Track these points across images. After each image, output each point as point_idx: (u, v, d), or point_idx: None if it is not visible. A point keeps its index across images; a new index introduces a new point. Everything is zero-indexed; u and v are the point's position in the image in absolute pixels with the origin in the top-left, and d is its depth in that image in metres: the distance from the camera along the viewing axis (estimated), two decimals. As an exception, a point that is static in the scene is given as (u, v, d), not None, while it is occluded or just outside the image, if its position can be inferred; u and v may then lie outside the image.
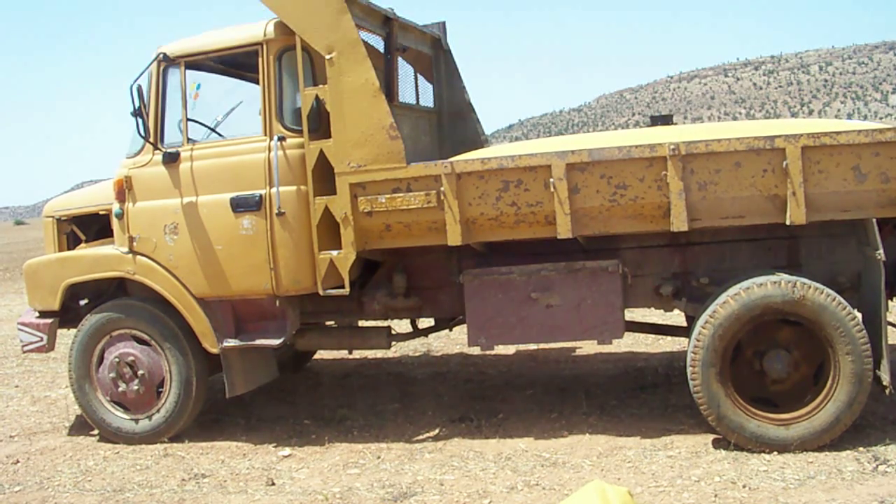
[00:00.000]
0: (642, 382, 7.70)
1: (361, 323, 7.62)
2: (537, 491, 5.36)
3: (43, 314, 7.29)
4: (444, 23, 8.20)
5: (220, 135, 6.90)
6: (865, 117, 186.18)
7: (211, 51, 6.67)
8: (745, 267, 6.15)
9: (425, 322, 7.56)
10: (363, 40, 6.29)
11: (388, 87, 7.13)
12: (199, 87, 6.83)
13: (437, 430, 6.78)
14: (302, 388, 8.49)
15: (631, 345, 9.20)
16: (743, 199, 5.68)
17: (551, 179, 5.81)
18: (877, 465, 5.32)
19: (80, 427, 7.50)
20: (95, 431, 7.26)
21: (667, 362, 8.40)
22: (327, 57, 6.14)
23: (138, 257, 6.76)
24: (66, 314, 7.30)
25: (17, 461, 6.77)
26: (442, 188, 5.98)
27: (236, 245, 6.47)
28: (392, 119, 6.10)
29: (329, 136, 6.21)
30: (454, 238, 6.05)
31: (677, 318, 7.62)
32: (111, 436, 7.04)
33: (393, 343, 7.28)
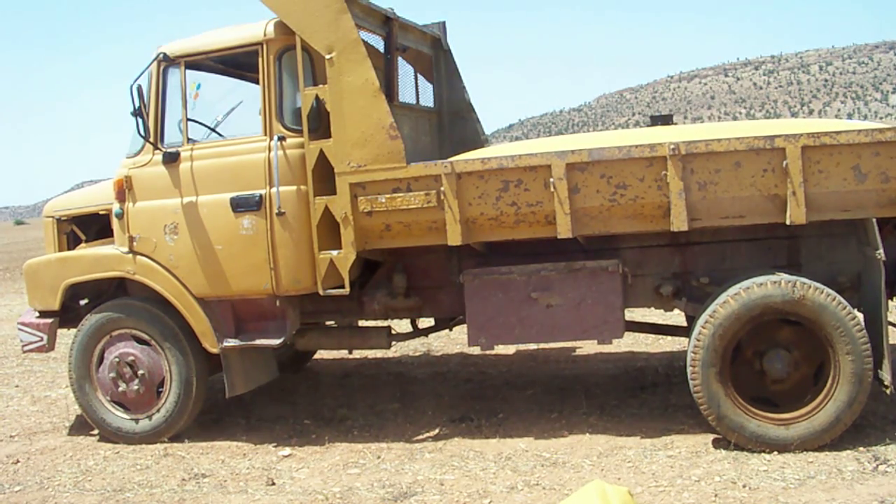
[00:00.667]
0: (642, 382, 7.70)
1: (361, 323, 7.62)
2: (537, 491, 5.36)
3: (43, 314, 7.30)
4: (444, 23, 8.21)
5: (220, 135, 6.90)
6: (865, 117, 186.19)
7: (211, 51, 6.67)
8: (745, 267, 6.14)
9: (425, 322, 7.56)
10: (363, 40, 6.29)
11: (388, 87, 7.13)
12: (199, 86, 6.84)
13: (437, 430, 6.78)
14: (302, 387, 8.49)
15: (631, 345, 9.20)
16: (743, 198, 5.68)
17: (551, 179, 5.81)
18: (877, 465, 5.32)
19: (81, 427, 7.50)
20: (95, 431, 7.26)
21: (667, 362, 8.40)
22: (327, 57, 6.14)
23: (138, 257, 6.77)
24: (67, 314, 7.30)
25: (18, 461, 6.77)
26: (442, 188, 5.98)
27: (236, 245, 6.47)
28: (392, 119, 6.10)
29: (329, 136, 6.21)
30: (454, 238, 6.05)
31: (677, 317, 7.63)
32: (111, 436, 7.04)
33: (393, 343, 7.28)
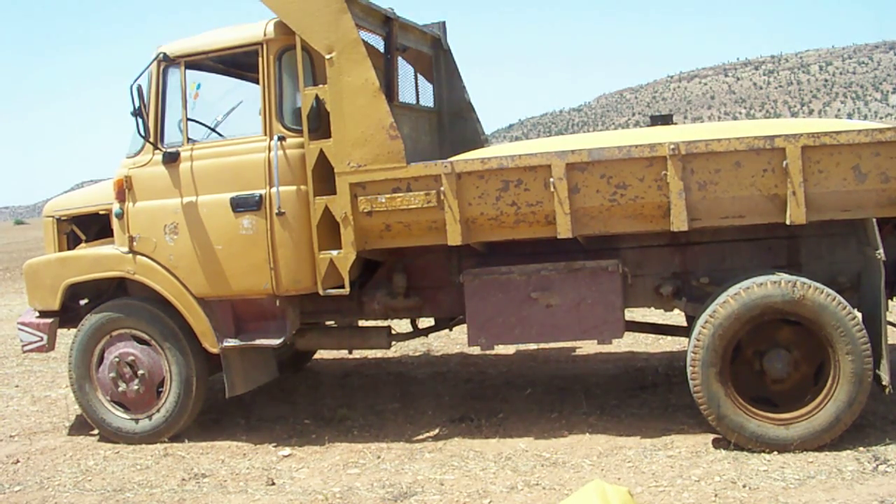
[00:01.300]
0: (642, 382, 7.70)
1: (361, 323, 7.62)
2: (537, 491, 5.36)
3: (43, 314, 7.30)
4: (444, 23, 8.21)
5: (220, 135, 6.90)
6: (865, 117, 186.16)
7: (211, 50, 6.67)
8: (745, 267, 6.15)
9: (425, 322, 7.56)
10: (363, 40, 6.29)
11: (388, 86, 7.13)
12: (199, 86, 6.84)
13: (437, 430, 6.78)
14: (302, 387, 8.49)
15: (631, 344, 9.20)
16: (743, 198, 5.68)
17: (551, 179, 5.81)
18: (877, 465, 5.32)
19: (81, 427, 7.50)
20: (95, 431, 7.26)
21: (667, 362, 8.40)
22: (327, 57, 6.14)
23: (138, 257, 6.77)
24: (66, 314, 7.30)
25: (18, 461, 6.77)
26: (442, 188, 5.98)
27: (236, 245, 6.47)
28: (392, 119, 6.10)
29: (329, 136, 6.21)
30: (454, 238, 6.05)
31: (677, 317, 7.62)
32: (111, 435, 7.04)
33: (393, 343, 7.28)
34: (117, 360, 6.93)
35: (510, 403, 7.33)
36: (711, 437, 5.97)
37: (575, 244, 6.20)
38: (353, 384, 8.55)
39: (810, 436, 5.61)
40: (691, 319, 6.33)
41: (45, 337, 7.22)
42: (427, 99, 8.03)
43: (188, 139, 6.67)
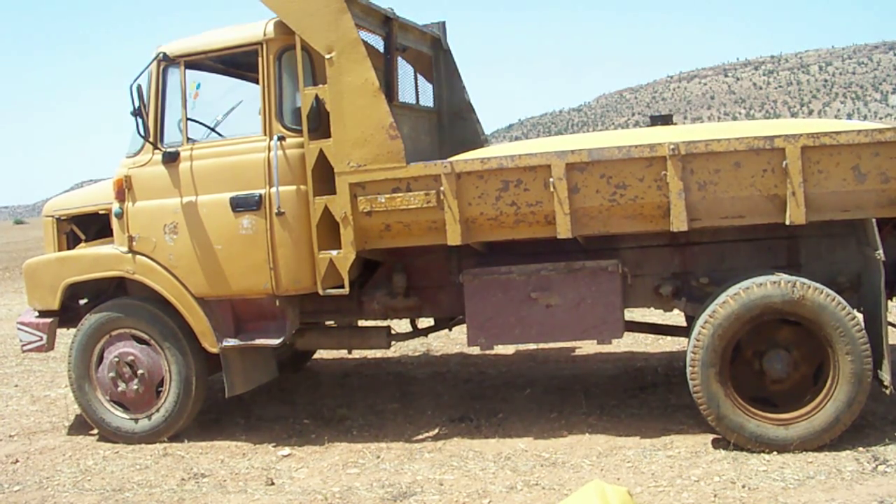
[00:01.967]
0: (642, 382, 7.70)
1: (361, 323, 7.62)
2: (537, 491, 5.36)
3: (42, 313, 7.30)
4: (443, 23, 8.21)
5: (219, 134, 6.90)
6: (865, 117, 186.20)
7: (211, 50, 6.67)
8: (744, 267, 6.15)
9: (425, 322, 7.56)
10: (363, 40, 6.29)
11: (388, 86, 7.13)
12: (198, 86, 6.83)
13: (436, 430, 6.78)
14: (301, 387, 8.49)
15: (630, 345, 9.21)
16: (742, 199, 5.68)
17: (551, 179, 5.81)
18: (876, 465, 5.32)
19: (80, 426, 7.50)
20: (95, 431, 7.26)
21: (666, 362, 8.40)
22: (327, 56, 6.14)
23: (138, 257, 6.76)
24: (66, 313, 7.30)
25: (17, 460, 6.77)
26: (442, 188, 5.98)
27: (236, 245, 6.47)
28: (392, 119, 6.10)
29: (329, 136, 6.21)
30: (454, 238, 6.05)
31: (677, 318, 7.62)
32: (111, 435, 7.04)
33: (392, 343, 7.28)
34: (117, 359, 6.92)
35: (510, 403, 7.33)
36: (711, 437, 5.97)
37: (575, 244, 6.20)
38: (353, 384, 8.55)
39: (810, 436, 5.61)
40: (691, 320, 6.33)
41: (45, 336, 7.22)
42: (427, 99, 8.03)
43: (188, 139, 6.67)
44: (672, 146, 5.63)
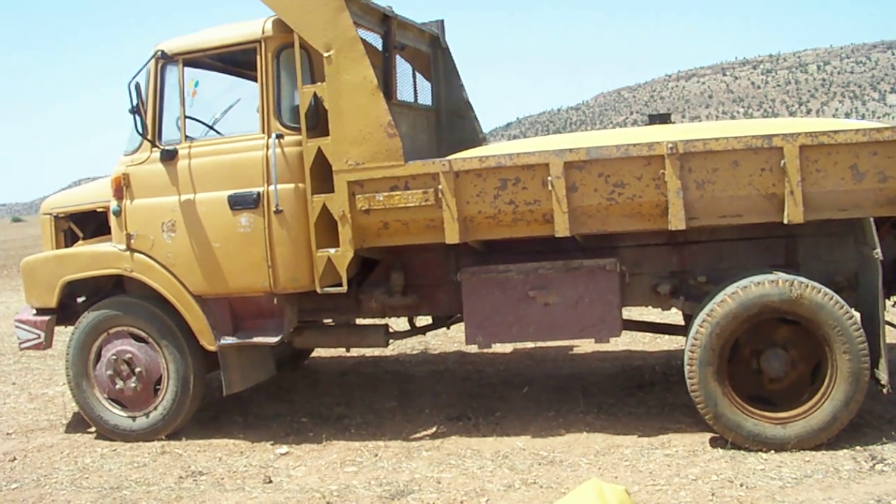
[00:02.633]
0: (640, 381, 7.70)
1: (359, 321, 7.62)
2: (534, 489, 5.37)
3: (40, 311, 7.30)
4: (442, 21, 8.21)
5: (218, 132, 6.90)
6: (863, 116, 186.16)
7: (209, 48, 6.66)
8: (742, 266, 6.15)
9: (423, 320, 7.56)
10: (361, 38, 6.29)
11: (387, 85, 7.13)
12: (197, 84, 6.83)
13: (434, 428, 6.78)
14: (299, 385, 8.49)
15: (628, 343, 9.21)
16: (741, 197, 5.68)
17: (549, 178, 5.80)
18: (874, 464, 5.32)
19: (78, 424, 7.50)
20: (93, 429, 7.25)
21: (664, 361, 8.40)
22: (325, 55, 6.14)
23: (136, 255, 6.76)
24: (64, 311, 7.30)
25: (15, 458, 6.77)
26: (440, 186, 5.98)
27: (234, 243, 6.46)
28: (390, 117, 6.10)
29: (327, 134, 6.20)
30: (452, 236, 6.05)
31: (675, 316, 7.63)
32: (108, 433, 7.04)
33: (390, 341, 7.28)
34: (115, 357, 6.92)
35: (507, 402, 7.33)
36: (709, 435, 5.97)
37: (573, 243, 6.20)
38: (351, 382, 8.55)
39: (807, 435, 5.61)
40: (689, 318, 6.33)
41: (43, 334, 7.22)
42: (425, 97, 8.03)
43: (186, 137, 6.67)
44: (670, 145, 5.63)
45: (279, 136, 6.34)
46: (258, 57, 6.41)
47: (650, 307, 6.76)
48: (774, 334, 5.80)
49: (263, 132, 6.42)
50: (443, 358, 9.45)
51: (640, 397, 7.16)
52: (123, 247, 6.80)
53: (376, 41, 7.13)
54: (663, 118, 6.77)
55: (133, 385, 6.90)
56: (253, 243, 6.40)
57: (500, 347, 9.10)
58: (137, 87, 6.51)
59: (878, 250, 5.49)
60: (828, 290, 5.58)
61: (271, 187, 6.30)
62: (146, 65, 6.67)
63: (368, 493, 5.50)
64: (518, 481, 5.50)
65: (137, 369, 6.88)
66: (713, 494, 5.04)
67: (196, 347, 6.80)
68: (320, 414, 7.37)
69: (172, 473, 6.17)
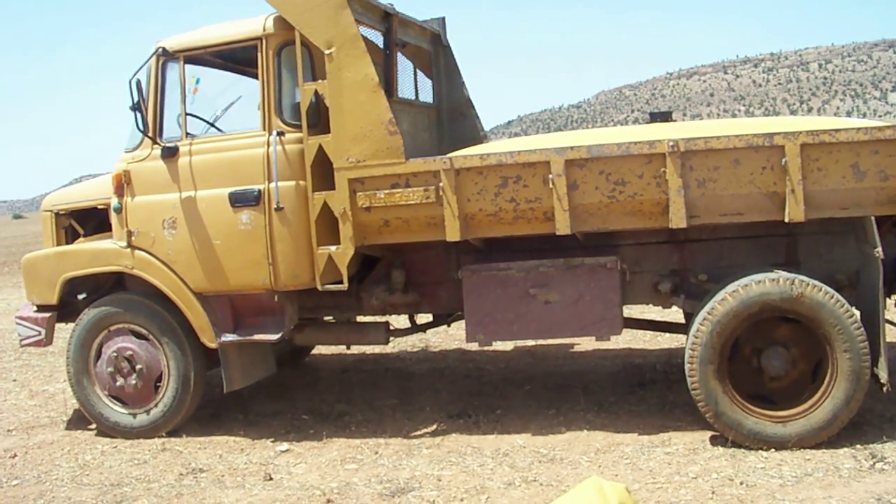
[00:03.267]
0: (640, 379, 7.70)
1: (360, 318, 7.62)
2: (535, 487, 5.37)
3: (41, 308, 7.29)
4: (443, 18, 8.20)
5: (219, 129, 6.90)
6: (864, 115, 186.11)
7: (210, 45, 6.66)
8: (743, 264, 6.15)
9: (423, 318, 7.56)
10: (362, 35, 6.28)
11: (388, 82, 7.13)
12: (198, 81, 6.83)
13: (434, 426, 6.78)
14: (300, 383, 8.50)
15: (629, 341, 9.21)
16: (742, 196, 5.68)
17: (550, 175, 5.80)
18: (874, 463, 5.32)
19: (78, 421, 7.50)
20: (93, 426, 7.26)
21: (665, 359, 8.40)
22: (327, 52, 6.13)
23: (137, 252, 6.76)
24: (65, 308, 7.30)
25: (15, 455, 6.77)
26: (441, 184, 5.98)
27: (235, 240, 6.46)
28: (391, 114, 6.09)
29: (328, 132, 6.20)
30: (453, 234, 6.05)
31: (676, 314, 7.63)
32: (109, 430, 7.04)
33: (391, 338, 7.28)
34: (115, 354, 6.93)
35: (508, 400, 7.34)
36: (709, 434, 5.97)
37: (573, 241, 6.20)
38: (351, 380, 8.56)
39: (808, 433, 5.61)
40: (689, 317, 6.33)
41: (43, 331, 7.21)
42: (426, 95, 8.03)
43: (187, 134, 6.66)
44: (671, 143, 5.63)
45: (280, 134, 6.34)
46: (259, 54, 6.41)
47: (651, 305, 6.77)
48: (775, 333, 5.80)
49: (264, 129, 6.42)
50: (443, 355, 9.45)
51: (641, 395, 7.17)
52: (124, 244, 6.80)
53: (377, 38, 7.13)
54: (664, 116, 6.77)
55: (134, 382, 6.90)
56: (254, 240, 6.40)
57: (500, 345, 9.10)
58: (139, 83, 6.51)
59: (879, 249, 5.49)
60: (828, 288, 5.58)
61: (272, 184, 6.30)
62: (147, 62, 6.66)
63: (369, 491, 5.50)
64: (518, 479, 5.50)
65: (138, 366, 6.88)
66: (713, 492, 5.05)
67: (197, 344, 6.80)
68: (321, 411, 7.37)
69: (173, 470, 6.17)
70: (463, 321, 6.60)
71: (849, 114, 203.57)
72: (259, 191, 6.37)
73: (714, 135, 5.66)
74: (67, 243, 7.50)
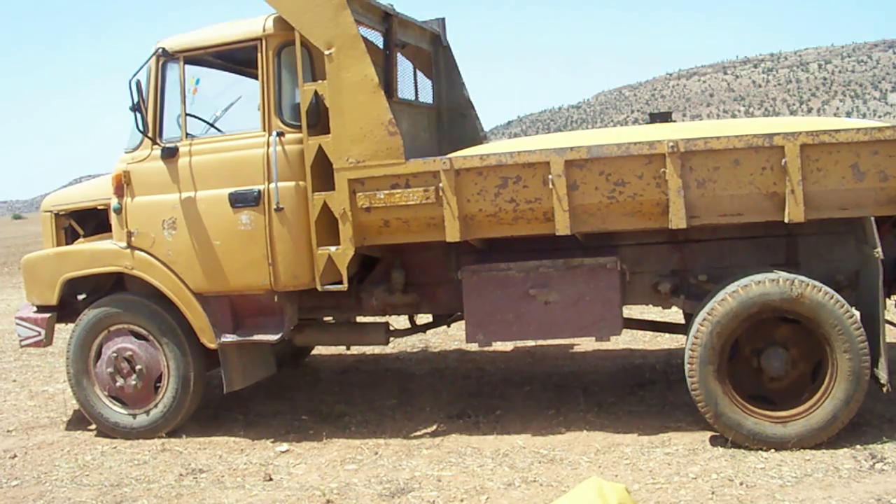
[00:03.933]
0: (640, 380, 7.70)
1: (359, 319, 7.62)
2: (535, 487, 5.37)
3: (41, 308, 7.29)
4: (443, 19, 8.20)
5: (218, 130, 6.89)
6: (864, 115, 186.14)
7: (210, 46, 6.65)
8: (743, 265, 6.15)
9: (423, 318, 7.56)
10: (362, 36, 6.28)
11: (387, 83, 7.13)
12: (198, 82, 6.83)
13: (434, 427, 6.78)
14: (300, 383, 8.49)
15: (629, 342, 9.21)
16: (741, 196, 5.68)
17: (550, 176, 5.80)
18: (874, 464, 5.32)
19: (78, 422, 7.50)
20: (93, 426, 7.25)
21: (665, 360, 8.40)
22: (326, 52, 6.13)
23: (136, 252, 6.76)
24: (64, 309, 7.30)
25: (15, 455, 6.77)
26: (440, 184, 5.98)
27: (235, 240, 6.46)
28: (391, 115, 6.09)
29: (328, 132, 6.20)
30: (452, 234, 6.05)
31: (675, 315, 7.62)
32: (109, 431, 7.04)
33: (391, 339, 7.27)
34: (115, 355, 6.92)
35: (508, 400, 7.34)
36: (709, 434, 5.97)
37: (573, 241, 6.20)
38: (351, 380, 8.55)
39: (807, 434, 5.61)
40: (689, 317, 6.32)
41: (43, 332, 7.21)
42: (426, 95, 8.03)
43: (187, 134, 6.66)
44: (671, 143, 5.63)
45: (280, 134, 6.34)
46: (259, 54, 6.41)
47: (651, 306, 6.76)
48: (775, 333, 5.80)
49: (264, 130, 6.42)
50: (443, 356, 9.45)
51: (641, 396, 7.17)
52: (124, 244, 6.80)
53: (377, 39, 7.13)
54: (664, 117, 6.77)
55: (133, 383, 6.90)
56: (254, 241, 6.40)
57: (500, 346, 9.10)
58: (138, 84, 6.51)
59: (879, 249, 5.49)
60: (828, 289, 5.58)
61: (272, 185, 6.30)
62: (147, 62, 6.66)
63: (368, 491, 5.50)
64: (518, 479, 5.50)
65: (138, 367, 6.88)
66: (713, 493, 5.05)
67: (196, 345, 6.80)
68: (320, 412, 7.37)
69: (173, 471, 6.17)
70: (463, 322, 6.60)
71: (848, 114, 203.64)
72: (259, 191, 6.37)
73: (714, 135, 5.66)
74: (67, 244, 7.50)
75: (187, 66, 6.68)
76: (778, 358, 5.75)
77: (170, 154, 6.63)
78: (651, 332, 8.40)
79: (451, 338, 10.03)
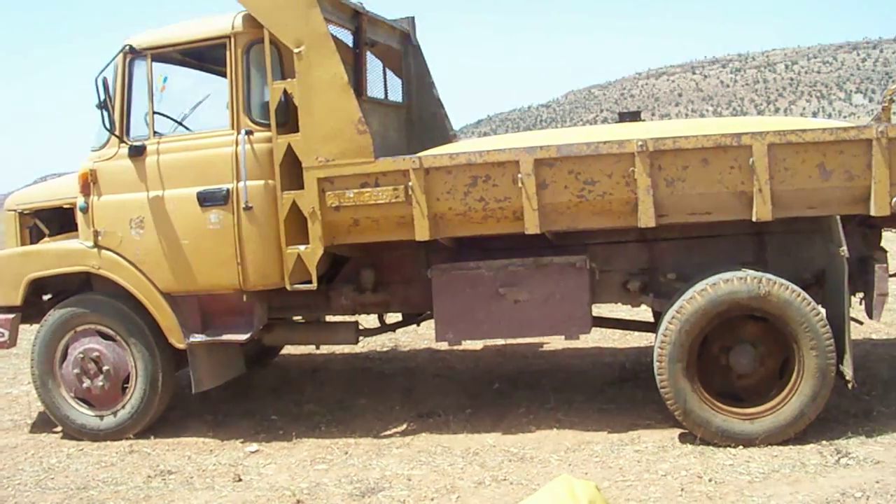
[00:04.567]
0: (610, 378, 7.73)
1: (329, 318, 7.59)
2: (505, 486, 5.37)
3: (4, 309, 7.18)
4: (413, 18, 8.19)
5: (187, 128, 6.85)
6: (830, 116, 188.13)
7: (178, 43, 6.60)
8: (712, 263, 6.18)
9: (393, 317, 7.55)
10: (332, 34, 6.26)
11: (357, 81, 7.11)
12: (165, 79, 6.76)
13: (405, 426, 6.77)
14: (269, 383, 8.45)
15: (598, 340, 9.24)
16: (710, 195, 5.72)
17: (519, 175, 5.81)
18: (839, 458, 5.38)
19: (43, 424, 7.40)
20: (59, 428, 7.17)
21: (634, 358, 8.44)
22: (296, 51, 6.10)
23: (103, 252, 6.69)
24: (29, 309, 7.20)
25: (-21, 459, 6.68)
26: (410, 183, 5.97)
27: (203, 239, 6.41)
28: (360, 114, 6.07)
29: (297, 131, 6.17)
30: (422, 233, 6.04)
31: (645, 313, 7.66)
32: (75, 433, 6.96)
33: (360, 338, 7.26)
34: (82, 355, 6.84)
35: (478, 399, 7.34)
36: (678, 431, 6.01)
37: (543, 240, 6.21)
38: (321, 380, 8.52)
39: (775, 430, 5.66)
40: (658, 315, 6.36)
41: (7, 333, 7.10)
42: (396, 94, 8.02)
43: (154, 133, 6.60)
44: (640, 143, 5.66)
45: (249, 133, 6.30)
46: (228, 52, 6.36)
47: (620, 304, 6.80)
48: (743, 331, 5.85)
49: (233, 128, 6.37)
50: (413, 355, 9.44)
51: (611, 394, 7.19)
52: (91, 244, 6.72)
53: (347, 38, 7.11)
54: (633, 116, 6.80)
55: (100, 384, 6.82)
56: (222, 240, 6.36)
57: (470, 344, 9.09)
58: (105, 81, 6.43)
59: (845, 248, 5.55)
60: (795, 287, 5.63)
61: (241, 184, 6.25)
62: (114, 59, 6.59)
63: (339, 491, 5.48)
64: (488, 478, 5.51)
65: (105, 367, 6.81)
66: (682, 490, 5.08)
67: (165, 345, 6.74)
68: (290, 412, 7.34)
69: (141, 473, 6.11)
70: (432, 320, 6.59)
71: (814, 114, 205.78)
72: (227, 190, 6.32)
73: (683, 134, 5.70)
74: (32, 243, 7.41)
75: (155, 64, 6.61)
76: (746, 355, 5.80)
77: (137, 152, 6.56)
78: (621, 331, 8.44)
79: (421, 337, 10.01)
